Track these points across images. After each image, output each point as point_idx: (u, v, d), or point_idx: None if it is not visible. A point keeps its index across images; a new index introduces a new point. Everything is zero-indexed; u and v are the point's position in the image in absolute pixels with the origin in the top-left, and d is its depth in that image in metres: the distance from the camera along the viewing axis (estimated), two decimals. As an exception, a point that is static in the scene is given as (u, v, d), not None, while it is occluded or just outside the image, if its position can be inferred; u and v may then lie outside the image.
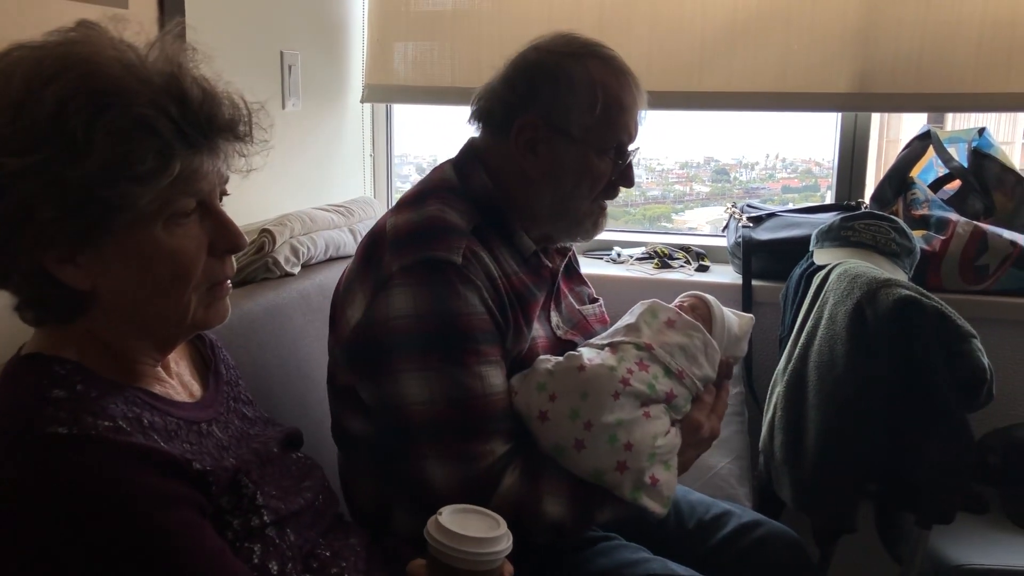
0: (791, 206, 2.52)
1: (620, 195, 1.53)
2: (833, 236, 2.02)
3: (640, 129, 1.45)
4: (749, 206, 2.46)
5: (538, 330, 1.41)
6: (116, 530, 0.81)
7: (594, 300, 1.63)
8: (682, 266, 2.40)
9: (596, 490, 1.28)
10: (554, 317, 1.48)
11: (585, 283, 1.65)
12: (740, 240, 2.27)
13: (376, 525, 1.27)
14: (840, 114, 2.44)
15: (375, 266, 1.30)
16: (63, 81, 0.84)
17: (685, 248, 2.48)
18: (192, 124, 0.89)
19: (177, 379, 1.04)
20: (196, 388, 1.08)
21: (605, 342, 1.40)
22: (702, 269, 2.40)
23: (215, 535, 0.89)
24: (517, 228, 1.40)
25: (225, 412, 1.09)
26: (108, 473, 0.82)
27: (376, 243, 1.34)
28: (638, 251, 2.49)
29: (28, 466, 0.80)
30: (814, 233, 2.09)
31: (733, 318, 1.49)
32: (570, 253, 1.59)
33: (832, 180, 2.53)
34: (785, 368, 1.87)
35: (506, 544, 0.95)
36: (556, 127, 1.37)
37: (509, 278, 1.34)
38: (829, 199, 2.58)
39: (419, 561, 1.01)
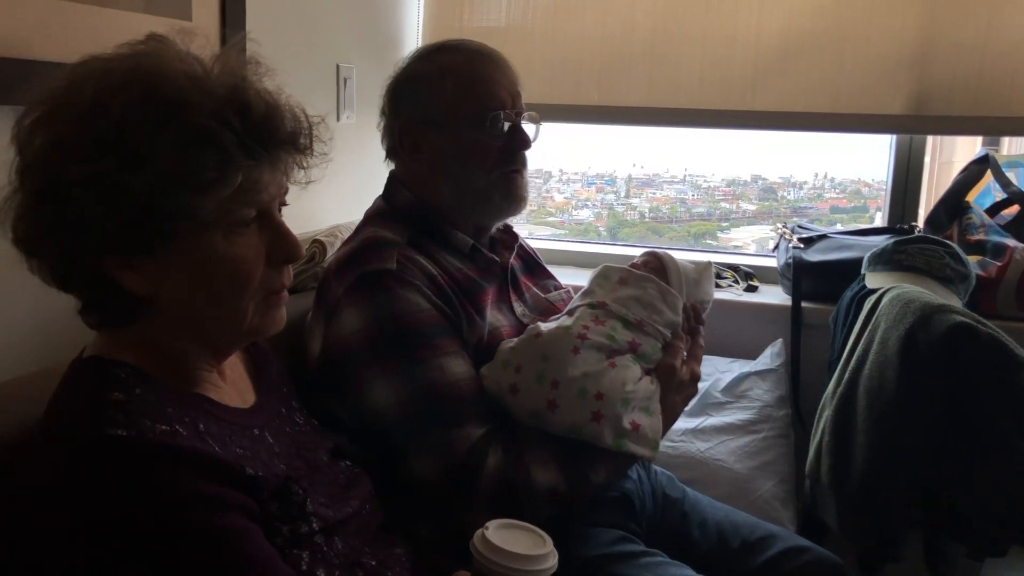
0: (840, 227, 2.49)
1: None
2: (886, 260, 1.99)
3: (516, 97, 1.50)
4: (800, 227, 2.44)
5: (500, 320, 1.47)
6: (169, 533, 0.82)
7: (559, 288, 1.71)
8: (730, 285, 2.38)
9: (582, 449, 1.31)
10: (517, 307, 1.54)
11: (550, 276, 1.73)
12: (790, 261, 2.25)
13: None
14: (895, 136, 2.41)
15: (325, 299, 1.37)
16: (130, 92, 0.86)
17: (734, 267, 2.46)
18: (254, 136, 0.91)
19: (231, 385, 1.06)
20: (249, 394, 1.10)
21: (564, 312, 1.46)
22: (751, 289, 2.38)
23: (265, 541, 0.89)
24: (449, 229, 1.48)
25: (276, 419, 1.10)
26: (163, 477, 0.83)
27: (324, 280, 1.41)
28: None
29: (87, 466, 0.82)
30: (866, 256, 2.06)
31: (689, 265, 1.54)
32: (518, 244, 1.64)
33: (885, 202, 2.50)
34: (834, 392, 1.84)
35: (552, 562, 0.95)
36: (423, 121, 1.48)
37: (452, 275, 1.41)
38: (879, 220, 2.55)
39: (462, 573, 1.01)
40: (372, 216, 1.52)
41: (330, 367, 1.35)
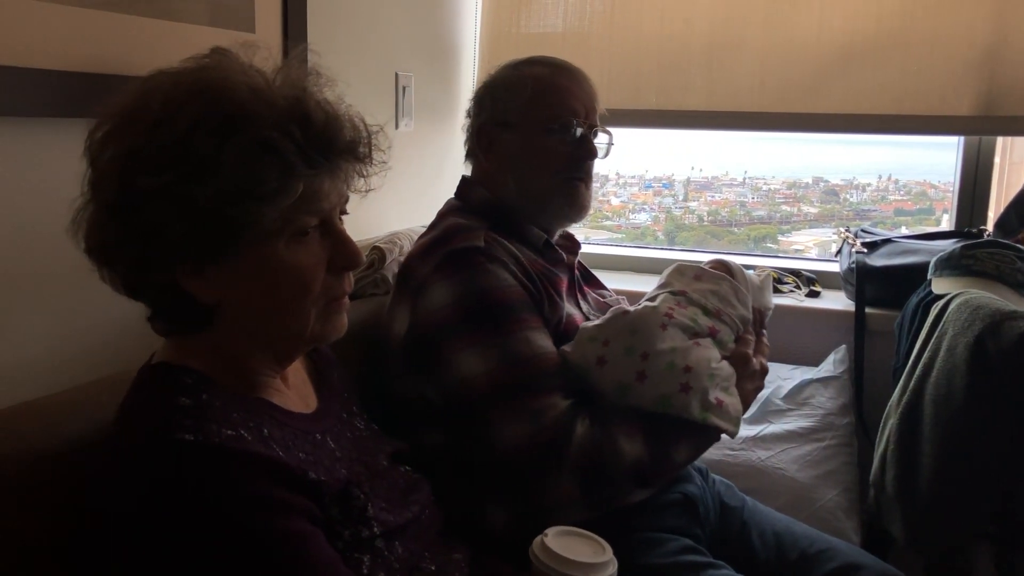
0: (905, 230, 2.44)
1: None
2: (953, 264, 1.95)
3: (591, 111, 1.56)
4: (863, 231, 2.39)
5: (572, 310, 1.51)
6: (233, 536, 0.83)
7: (612, 295, 1.75)
8: (792, 291, 2.35)
9: (667, 424, 1.33)
10: (583, 305, 1.59)
11: (604, 287, 1.79)
12: (854, 266, 2.21)
13: (472, 532, 1.29)
14: (963, 138, 2.36)
15: (409, 283, 1.42)
16: (195, 105, 0.88)
17: (795, 272, 2.42)
18: (315, 146, 0.92)
19: (294, 390, 1.07)
20: (312, 400, 1.11)
21: (643, 300, 1.49)
22: (813, 295, 2.34)
23: (327, 545, 0.91)
24: (524, 223, 1.53)
25: (338, 424, 1.11)
26: (229, 480, 0.84)
27: (406, 267, 1.46)
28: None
29: (156, 469, 0.84)
30: (933, 261, 2.01)
31: (753, 275, 1.58)
32: (579, 249, 1.70)
33: (952, 205, 2.43)
34: (899, 400, 1.80)
35: (612, 570, 0.95)
36: (500, 123, 1.56)
37: (531, 260, 1.45)
38: (945, 223, 2.49)
39: (521, 578, 1.01)
40: (449, 211, 1.57)
41: (418, 343, 1.38)
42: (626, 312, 1.40)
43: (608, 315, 1.42)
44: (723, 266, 1.55)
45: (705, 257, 2.51)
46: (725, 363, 1.40)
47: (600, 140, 1.59)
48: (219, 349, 0.97)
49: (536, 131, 1.53)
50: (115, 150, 0.90)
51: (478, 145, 1.59)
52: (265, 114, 0.90)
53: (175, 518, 0.82)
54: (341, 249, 0.99)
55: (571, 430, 1.30)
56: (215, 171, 0.87)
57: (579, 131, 1.53)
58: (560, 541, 0.97)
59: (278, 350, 1.01)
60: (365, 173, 1.02)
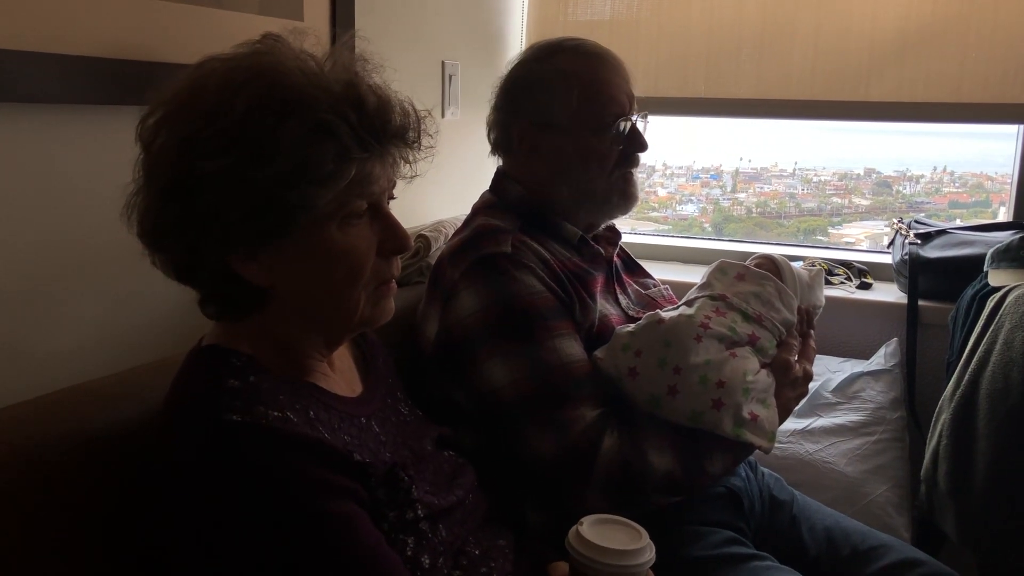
0: (959, 222, 2.38)
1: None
2: (1011, 256, 1.90)
3: (632, 99, 1.52)
4: (917, 222, 2.35)
5: (609, 308, 1.48)
6: (280, 515, 0.84)
7: (657, 286, 1.72)
8: (843, 283, 2.31)
9: (699, 437, 1.31)
10: (622, 299, 1.56)
11: (648, 275, 1.75)
12: (907, 257, 2.17)
13: (511, 524, 1.29)
14: (1022, 126, 2.29)
15: (440, 285, 1.40)
16: (251, 89, 0.89)
17: (846, 264, 2.38)
18: (368, 129, 0.93)
19: (340, 375, 1.08)
20: (357, 384, 1.12)
21: (681, 303, 1.47)
22: (864, 287, 2.30)
23: (372, 526, 0.91)
24: (559, 220, 1.51)
25: (383, 409, 1.12)
26: (276, 461, 0.85)
27: (438, 267, 1.44)
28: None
29: (204, 449, 0.85)
30: (989, 252, 1.96)
31: (803, 270, 1.54)
32: (620, 241, 1.67)
33: (1011, 196, 2.37)
34: (953, 394, 1.76)
35: (649, 555, 0.94)
36: (545, 125, 1.50)
37: (562, 261, 1.43)
38: (1002, 216, 2.43)
39: (562, 565, 1.01)
40: (481, 208, 1.55)
41: (447, 349, 1.38)
42: (661, 321, 1.37)
43: (643, 322, 1.39)
44: (770, 263, 1.52)
45: (753, 249, 2.48)
46: (763, 373, 1.36)
47: (642, 125, 1.56)
48: (268, 333, 0.98)
49: (587, 134, 1.48)
50: (170, 135, 0.90)
51: (519, 146, 1.53)
52: (320, 98, 0.91)
53: (222, 497, 0.84)
54: (390, 233, 1.00)
55: (599, 443, 1.28)
56: (272, 154, 0.88)
57: (628, 125, 1.50)
58: (596, 529, 0.96)
59: (327, 334, 1.02)
60: (412, 159, 1.02)
